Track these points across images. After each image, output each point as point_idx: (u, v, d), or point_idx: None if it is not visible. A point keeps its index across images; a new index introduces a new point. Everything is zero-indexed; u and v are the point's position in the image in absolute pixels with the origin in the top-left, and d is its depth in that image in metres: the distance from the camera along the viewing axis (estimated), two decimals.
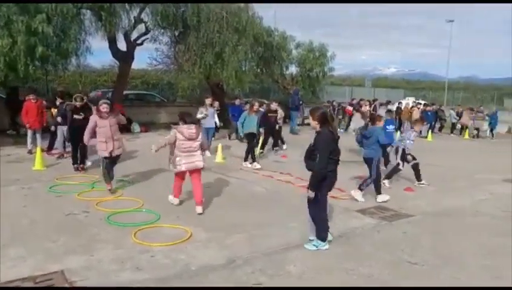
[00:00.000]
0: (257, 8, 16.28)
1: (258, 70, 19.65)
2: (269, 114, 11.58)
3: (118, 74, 16.71)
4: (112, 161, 6.85)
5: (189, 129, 5.86)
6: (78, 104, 8.49)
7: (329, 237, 4.81)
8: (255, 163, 9.57)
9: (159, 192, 6.66)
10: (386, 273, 4.07)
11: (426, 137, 17.45)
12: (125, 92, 17.29)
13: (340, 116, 18.99)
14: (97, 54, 14.89)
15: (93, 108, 7.75)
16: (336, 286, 3.82)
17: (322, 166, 4.54)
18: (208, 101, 11.03)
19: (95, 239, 4.78)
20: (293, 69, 22.21)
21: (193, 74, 15.30)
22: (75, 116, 8.42)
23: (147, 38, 15.69)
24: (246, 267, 4.16)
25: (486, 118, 19.39)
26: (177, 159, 5.87)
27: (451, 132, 19.82)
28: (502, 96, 46.85)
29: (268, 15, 20.85)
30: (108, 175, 6.78)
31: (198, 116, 10.03)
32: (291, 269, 4.14)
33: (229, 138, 14.35)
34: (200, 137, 6.00)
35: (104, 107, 6.74)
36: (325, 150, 4.57)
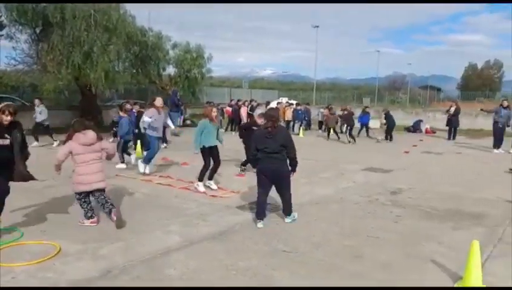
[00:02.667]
0: (129, 7, 15.68)
1: (134, 70, 18.93)
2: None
3: None
4: None
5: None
6: None
7: (260, 224, 5.50)
8: (211, 182, 7.66)
9: (20, 204, 5.96)
10: (264, 265, 4.26)
11: (298, 134, 18.79)
12: None
13: (221, 117, 19.32)
14: None
15: None
16: (217, 284, 3.88)
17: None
18: (159, 102, 8.90)
19: None
20: (171, 70, 21.95)
21: (59, 75, 14.04)
22: None
23: (2, 36, 13.94)
24: (123, 276, 3.98)
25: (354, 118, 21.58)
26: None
27: (319, 129, 21.65)
28: (361, 95, 52.95)
29: (142, 15, 20.11)
30: None
31: (146, 120, 8.57)
32: (172, 273, 4.08)
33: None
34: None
35: None
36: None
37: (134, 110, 12.69)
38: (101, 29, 13.74)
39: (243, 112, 17.99)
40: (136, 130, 11.49)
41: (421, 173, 9.70)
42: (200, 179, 7.48)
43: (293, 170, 5.68)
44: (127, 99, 14.93)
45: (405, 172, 9.87)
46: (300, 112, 20.78)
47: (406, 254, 4.62)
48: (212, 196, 7.11)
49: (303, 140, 16.93)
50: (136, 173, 9.01)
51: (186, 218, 5.85)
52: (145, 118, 8.67)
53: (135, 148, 11.81)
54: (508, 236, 5.27)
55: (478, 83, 73.95)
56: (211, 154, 7.45)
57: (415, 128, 21.70)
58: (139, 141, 11.83)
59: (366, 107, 20.11)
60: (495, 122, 13.65)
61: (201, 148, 7.43)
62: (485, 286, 3.71)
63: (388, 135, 17.35)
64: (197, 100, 22.74)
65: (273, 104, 22.68)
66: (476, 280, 3.67)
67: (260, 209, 5.59)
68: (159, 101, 8.84)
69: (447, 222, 5.84)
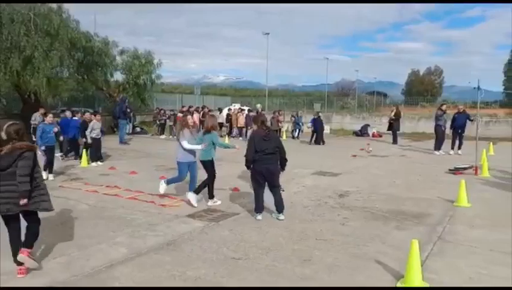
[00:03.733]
0: (73, 11, 15.09)
1: (80, 77, 18.21)
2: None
3: None
4: None
5: None
6: None
7: (259, 217, 6.12)
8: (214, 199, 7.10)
9: None
10: (212, 273, 4.21)
11: None
12: None
13: (171, 123, 19.05)
14: None
15: None
16: None
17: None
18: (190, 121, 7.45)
19: None
20: (119, 76, 21.32)
21: None
22: None
23: None
24: None
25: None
26: None
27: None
28: (312, 101, 54.18)
29: (88, 20, 19.40)
30: None
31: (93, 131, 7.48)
32: (117, 286, 3.92)
33: (65, 156, 12.13)
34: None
35: None
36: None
37: (77, 118, 12.23)
38: (42, 34, 13.10)
39: (195, 118, 17.81)
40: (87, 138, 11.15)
41: (367, 176, 10.05)
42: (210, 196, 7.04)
43: (283, 168, 6.41)
44: (68, 107, 14.35)
45: (353, 175, 10.18)
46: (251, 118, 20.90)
47: (352, 255, 4.75)
48: (162, 205, 6.95)
49: None
50: (82, 183, 8.65)
51: (133, 229, 5.67)
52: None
53: (81, 157, 11.36)
54: (447, 234, 5.55)
55: (421, 89, 78.05)
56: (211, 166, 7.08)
57: (362, 132, 22.50)
58: (84, 150, 11.41)
59: (318, 112, 20.15)
60: (438, 126, 14.33)
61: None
62: (428, 285, 3.88)
63: (319, 139, 17.77)
64: (146, 107, 22.21)
65: (225, 111, 22.74)
66: (416, 278, 3.83)
67: (260, 204, 6.19)
68: (190, 120, 7.45)
69: (390, 222, 6.07)
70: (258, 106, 22.64)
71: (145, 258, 4.64)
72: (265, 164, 6.06)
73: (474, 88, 10.18)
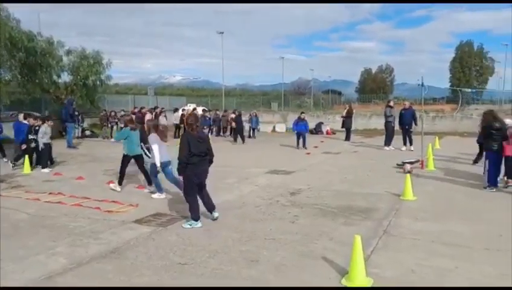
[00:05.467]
0: (13, 9, 14.23)
1: (23, 79, 17.23)
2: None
3: None
4: None
5: None
6: None
7: (199, 224, 5.75)
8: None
9: None
10: (156, 280, 4.06)
11: None
12: None
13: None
14: None
15: None
16: None
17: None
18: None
19: None
20: (65, 78, 20.39)
21: None
22: None
23: None
24: None
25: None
26: None
27: (230, 134, 21.78)
28: (269, 100, 54.58)
29: (31, 18, 18.46)
30: None
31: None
32: None
33: (15, 164, 11.25)
34: None
35: None
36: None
37: (26, 122, 11.59)
38: None
39: (148, 119, 17.41)
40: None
41: (319, 173, 10.19)
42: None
43: None
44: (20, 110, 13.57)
45: (305, 172, 10.28)
46: (208, 118, 20.71)
47: (299, 253, 4.75)
48: (108, 211, 6.68)
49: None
50: (23, 191, 8.17)
51: (75, 237, 5.39)
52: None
53: (23, 162, 10.74)
54: (392, 228, 5.69)
55: (373, 86, 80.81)
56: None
57: (316, 130, 22.86)
58: (27, 156, 10.80)
59: (302, 113, 17.17)
60: (388, 122, 14.77)
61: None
62: (371, 279, 3.93)
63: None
64: (97, 109, 21.39)
65: (180, 111, 22.39)
66: (359, 274, 3.87)
67: (198, 210, 5.88)
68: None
69: (339, 218, 6.16)
70: (190, 106, 22.35)
71: (86, 268, 4.42)
72: (203, 166, 5.88)
73: (419, 85, 10.58)
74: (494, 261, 4.46)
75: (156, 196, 7.64)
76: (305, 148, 15.05)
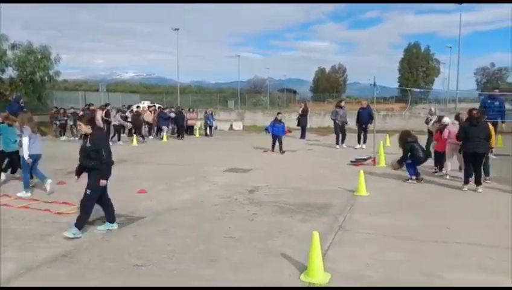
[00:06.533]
0: None
1: None
2: None
3: None
4: None
5: None
6: None
7: (79, 234, 5.23)
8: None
9: None
10: (110, 284, 3.93)
11: (162, 138, 18.34)
12: None
13: (72, 123, 17.74)
14: None
15: None
16: None
17: (110, 159, 5.38)
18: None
19: None
20: (10, 73, 19.23)
21: None
22: None
23: None
24: None
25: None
26: None
27: (186, 131, 21.50)
28: (225, 98, 54.49)
29: None
30: None
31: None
32: None
33: None
34: None
35: None
36: (107, 146, 5.41)
37: None
38: None
39: (99, 117, 16.77)
40: None
41: (277, 171, 10.29)
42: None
43: None
44: None
45: (263, 170, 10.35)
46: (163, 116, 20.27)
47: (259, 250, 4.77)
48: (58, 213, 6.38)
49: (167, 145, 16.59)
50: None
51: (24, 241, 5.12)
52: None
53: None
54: (347, 223, 5.86)
55: (327, 86, 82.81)
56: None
57: None
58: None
59: (279, 113, 15.27)
60: (334, 122, 15.12)
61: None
62: (328, 273, 4.02)
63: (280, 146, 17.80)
64: (44, 106, 20.32)
65: (134, 108, 21.79)
66: (318, 269, 3.95)
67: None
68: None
69: (297, 215, 6.25)
70: (144, 103, 21.79)
71: (37, 273, 4.21)
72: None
73: (371, 85, 10.95)
74: (442, 252, 4.71)
75: (21, 194, 7.43)
76: (283, 152, 13.44)
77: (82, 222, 5.31)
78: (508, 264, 4.31)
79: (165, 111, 20.16)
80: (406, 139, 9.06)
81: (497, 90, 13.93)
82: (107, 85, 35.01)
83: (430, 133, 11.12)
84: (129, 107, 21.57)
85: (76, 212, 6.34)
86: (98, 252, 4.76)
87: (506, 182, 8.44)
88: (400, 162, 9.16)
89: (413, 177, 8.75)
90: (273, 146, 13.84)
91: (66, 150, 9.49)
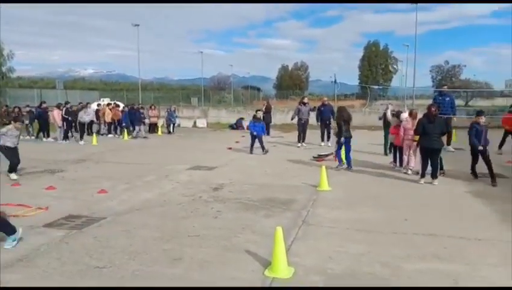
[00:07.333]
0: None
1: None
2: None
3: None
4: None
5: None
6: None
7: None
8: None
9: None
10: (71, 286, 3.81)
11: (123, 137, 17.91)
12: None
13: (27, 122, 16.99)
14: None
15: None
16: None
17: None
18: None
19: None
20: None
21: None
22: None
23: None
24: None
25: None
26: None
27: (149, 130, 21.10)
28: (189, 95, 53.90)
29: None
30: None
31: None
32: None
33: None
34: None
35: None
36: None
37: None
38: None
39: (57, 115, 16.18)
40: None
41: (241, 167, 10.31)
42: None
43: None
44: None
45: (227, 167, 10.33)
46: (126, 114, 19.78)
47: (223, 248, 4.77)
48: (13, 215, 6.09)
49: (128, 144, 16.22)
50: None
51: None
52: None
53: None
54: (310, 217, 5.96)
55: (290, 83, 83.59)
56: None
57: (237, 125, 23.07)
58: None
59: (258, 111, 14.07)
60: (299, 120, 14.97)
61: None
62: (292, 268, 4.08)
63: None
64: None
65: (94, 106, 21.18)
66: (282, 264, 4.00)
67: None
68: None
69: (261, 211, 6.29)
70: (104, 100, 21.27)
71: None
72: None
73: (332, 82, 11.18)
74: (401, 243, 4.89)
75: None
76: (266, 152, 12.53)
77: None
78: (462, 253, 4.54)
79: (126, 109, 19.63)
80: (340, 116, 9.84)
81: (445, 87, 14.59)
82: (64, 82, 33.76)
83: (387, 126, 11.39)
84: (87, 104, 20.92)
85: (34, 215, 6.15)
86: (57, 255, 4.59)
87: (459, 175, 8.86)
88: (338, 139, 9.78)
89: (340, 165, 9.60)
90: (251, 147, 12.80)
91: (21, 150, 9.05)
